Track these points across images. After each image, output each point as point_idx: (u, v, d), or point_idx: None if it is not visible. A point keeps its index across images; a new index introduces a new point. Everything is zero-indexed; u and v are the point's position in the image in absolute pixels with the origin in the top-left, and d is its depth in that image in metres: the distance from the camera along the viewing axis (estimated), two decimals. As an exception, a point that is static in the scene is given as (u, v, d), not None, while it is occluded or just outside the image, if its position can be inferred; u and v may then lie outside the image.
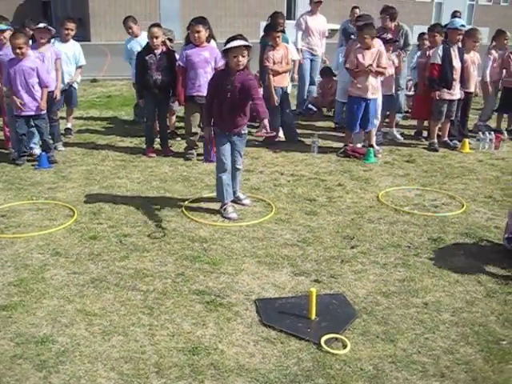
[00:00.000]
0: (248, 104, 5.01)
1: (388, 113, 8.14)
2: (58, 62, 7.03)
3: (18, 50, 6.23)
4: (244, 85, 4.85)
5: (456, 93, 7.47)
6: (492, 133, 7.98)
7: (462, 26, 7.39)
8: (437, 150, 7.57)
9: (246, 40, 4.83)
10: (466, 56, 7.57)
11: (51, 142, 6.80)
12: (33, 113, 6.47)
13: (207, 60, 6.70)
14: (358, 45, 6.95)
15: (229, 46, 4.74)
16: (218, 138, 5.11)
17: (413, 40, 8.70)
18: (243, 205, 5.39)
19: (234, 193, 5.34)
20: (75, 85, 7.98)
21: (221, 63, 6.82)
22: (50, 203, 5.41)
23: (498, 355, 3.13)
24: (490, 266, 4.24)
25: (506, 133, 8.31)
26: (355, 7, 10.10)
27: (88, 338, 3.24)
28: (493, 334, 3.35)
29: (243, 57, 4.79)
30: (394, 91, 7.90)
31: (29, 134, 6.68)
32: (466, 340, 3.28)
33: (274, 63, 7.40)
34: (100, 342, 3.20)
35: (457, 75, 7.35)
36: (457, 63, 7.33)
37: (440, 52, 7.32)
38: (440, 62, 7.29)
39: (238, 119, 5.03)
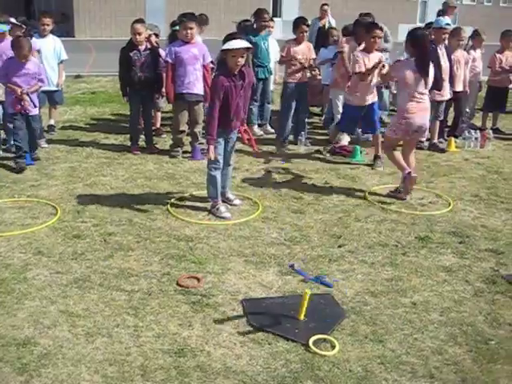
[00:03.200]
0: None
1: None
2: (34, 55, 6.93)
3: (23, 60, 6.10)
4: (250, 81, 4.96)
5: (446, 93, 7.40)
6: (477, 131, 8.00)
7: (447, 24, 7.31)
8: (444, 151, 7.52)
9: (244, 38, 4.80)
10: (452, 55, 7.55)
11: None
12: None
13: (196, 57, 6.62)
14: (361, 46, 6.60)
15: (229, 47, 4.64)
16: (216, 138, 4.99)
17: (396, 39, 8.68)
18: (234, 205, 5.29)
19: (223, 188, 5.26)
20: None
21: (208, 60, 6.76)
22: (33, 201, 5.31)
23: (487, 355, 3.11)
24: (477, 264, 4.23)
25: (491, 131, 8.33)
26: (325, 4, 10.07)
27: (71, 339, 3.16)
28: (481, 333, 3.33)
29: (242, 57, 4.69)
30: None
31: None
32: (455, 340, 3.25)
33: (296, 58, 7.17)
34: (83, 343, 3.13)
35: (446, 75, 7.25)
36: (444, 63, 7.24)
37: None
38: None
39: (241, 116, 5.08)
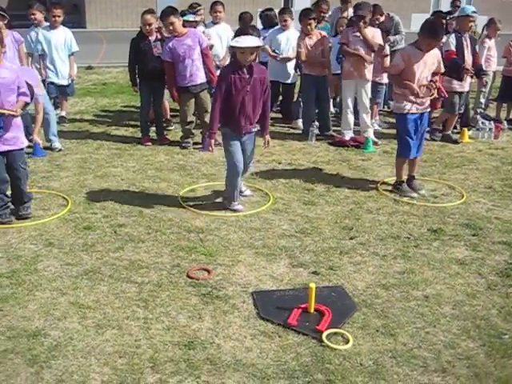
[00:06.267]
0: (262, 99, 4.82)
1: (379, 101, 8.02)
2: (21, 47, 6.91)
3: None
4: (262, 77, 4.72)
5: (466, 85, 7.22)
6: (491, 122, 7.89)
7: (474, 12, 7.04)
8: (457, 142, 7.36)
9: (257, 32, 4.65)
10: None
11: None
12: None
13: (192, 47, 6.54)
14: (411, 47, 5.33)
15: (238, 45, 4.51)
16: (228, 141, 4.83)
17: (409, 29, 8.61)
18: (245, 196, 5.23)
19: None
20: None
21: (205, 44, 6.70)
22: (44, 192, 5.32)
23: (501, 350, 3.07)
24: (490, 257, 4.17)
25: (505, 122, 8.22)
26: None
27: (81, 331, 3.16)
28: (494, 327, 3.29)
29: (252, 54, 4.56)
30: (385, 79, 7.79)
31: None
32: (468, 334, 3.21)
33: (308, 50, 7.18)
34: (93, 335, 3.13)
35: (468, 66, 7.01)
36: (467, 54, 7.01)
37: (453, 40, 6.95)
38: (454, 50, 6.93)
39: (253, 117, 4.83)
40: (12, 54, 6.64)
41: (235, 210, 4.93)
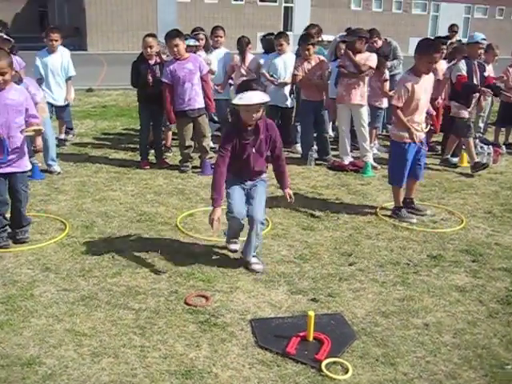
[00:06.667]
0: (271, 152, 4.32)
1: (377, 125, 8.06)
2: (23, 73, 6.92)
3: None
4: (269, 135, 4.18)
5: (472, 110, 7.20)
6: (490, 147, 7.91)
7: (483, 39, 7.10)
8: (456, 166, 7.38)
9: (262, 86, 4.14)
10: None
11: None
12: None
13: (192, 72, 6.59)
14: (410, 75, 5.26)
15: (242, 102, 3.92)
16: (228, 185, 4.25)
17: (407, 52, 8.71)
18: (252, 270, 4.27)
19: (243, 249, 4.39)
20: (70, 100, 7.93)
21: (205, 70, 6.73)
22: (42, 216, 5.29)
23: (503, 380, 3.02)
24: (491, 284, 4.14)
25: (504, 147, 8.25)
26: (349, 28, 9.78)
27: (77, 359, 3.11)
28: (496, 357, 3.24)
29: (258, 112, 4.00)
30: (385, 104, 7.85)
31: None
32: (469, 364, 3.17)
33: (306, 74, 7.21)
34: (89, 364, 3.08)
35: (476, 94, 7.07)
36: (476, 80, 7.01)
37: (463, 66, 6.93)
38: (466, 75, 6.91)
39: (259, 170, 4.31)
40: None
41: (229, 250, 4.58)
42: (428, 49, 5.11)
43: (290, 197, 4.39)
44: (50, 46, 7.52)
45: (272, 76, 7.78)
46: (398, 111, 5.21)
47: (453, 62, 7.49)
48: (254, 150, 4.16)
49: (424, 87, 5.25)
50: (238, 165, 4.17)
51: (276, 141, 4.25)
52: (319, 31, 7.91)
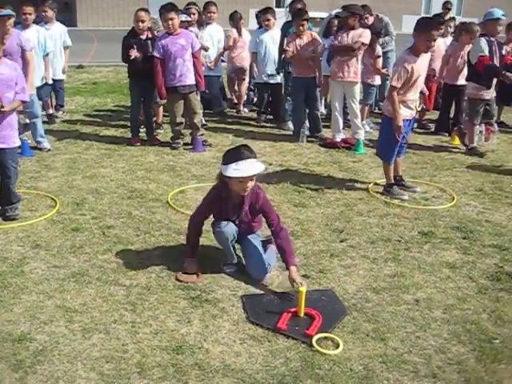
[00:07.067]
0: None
1: (370, 102, 8.04)
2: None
3: None
4: (255, 207, 3.79)
5: (492, 91, 7.00)
6: (482, 125, 7.89)
7: (503, 15, 6.82)
8: (482, 155, 6.96)
9: (253, 153, 3.67)
10: (461, 50, 7.44)
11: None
12: None
13: (184, 47, 6.52)
14: (409, 55, 5.14)
15: (238, 175, 3.53)
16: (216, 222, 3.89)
17: (400, 30, 8.65)
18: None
19: None
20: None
21: (197, 47, 6.65)
22: (32, 193, 5.25)
23: (491, 355, 3.05)
24: (481, 261, 4.16)
25: (495, 125, 8.23)
26: None
27: (68, 335, 3.11)
28: (485, 332, 3.27)
29: (252, 181, 3.64)
30: (378, 81, 7.83)
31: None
32: (458, 339, 3.19)
33: (297, 50, 7.11)
34: (80, 340, 3.07)
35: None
36: (496, 60, 6.77)
37: (485, 45, 6.67)
38: (488, 55, 6.66)
39: (250, 230, 3.96)
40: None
41: (225, 272, 3.89)
42: (426, 27, 5.05)
43: (294, 281, 3.55)
44: (24, 20, 7.06)
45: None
46: (394, 93, 5.11)
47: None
48: (236, 221, 3.83)
49: (422, 67, 5.21)
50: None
51: (265, 211, 3.79)
52: (304, 6, 7.86)
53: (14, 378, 2.76)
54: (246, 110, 9.10)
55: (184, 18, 7.27)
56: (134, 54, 6.55)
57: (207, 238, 4.19)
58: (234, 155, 3.60)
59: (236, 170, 3.52)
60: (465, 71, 7.52)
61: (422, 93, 5.52)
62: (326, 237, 4.49)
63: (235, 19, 8.64)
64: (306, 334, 3.14)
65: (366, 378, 2.83)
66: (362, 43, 6.83)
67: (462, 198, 5.47)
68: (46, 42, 7.27)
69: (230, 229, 3.79)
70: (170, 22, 6.41)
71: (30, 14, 7.03)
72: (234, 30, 8.54)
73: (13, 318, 3.25)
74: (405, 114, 5.23)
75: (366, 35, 6.89)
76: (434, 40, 5.12)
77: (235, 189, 3.66)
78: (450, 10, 11.00)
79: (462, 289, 3.75)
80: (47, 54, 7.29)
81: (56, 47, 7.78)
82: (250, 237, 3.93)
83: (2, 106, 4.34)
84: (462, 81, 7.60)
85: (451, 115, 8.00)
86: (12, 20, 5.97)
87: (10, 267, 3.84)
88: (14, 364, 2.85)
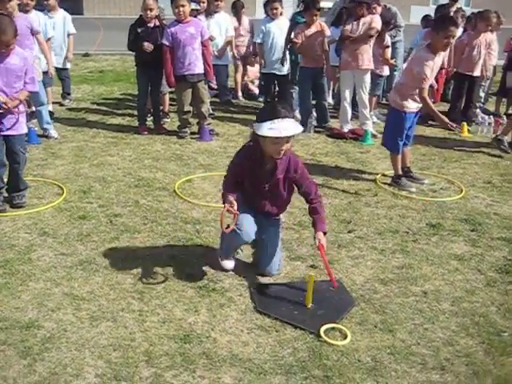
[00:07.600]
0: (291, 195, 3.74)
1: (378, 93, 8.00)
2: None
3: (2, 49, 4.31)
4: (290, 175, 3.52)
5: None
6: (491, 117, 7.85)
7: None
8: (508, 152, 6.63)
9: (292, 111, 3.40)
10: (476, 39, 7.38)
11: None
12: None
13: (194, 36, 6.48)
14: (429, 53, 5.03)
15: (273, 134, 3.21)
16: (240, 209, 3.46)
17: (408, 21, 8.60)
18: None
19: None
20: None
21: (206, 36, 6.61)
22: (39, 181, 5.25)
23: (499, 348, 3.03)
24: (490, 253, 4.13)
25: (504, 117, 8.18)
26: None
27: (75, 323, 3.11)
28: (493, 325, 3.25)
29: (287, 143, 3.33)
30: (386, 72, 7.78)
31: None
32: (467, 331, 3.17)
33: (305, 39, 7.04)
34: (88, 327, 3.07)
35: None
36: None
37: None
38: None
39: (276, 209, 3.76)
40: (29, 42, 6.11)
41: (223, 268, 3.72)
42: (444, 24, 4.98)
43: (320, 245, 3.48)
44: (25, 6, 6.74)
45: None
46: (426, 95, 5.05)
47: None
48: (266, 188, 3.57)
49: (438, 64, 5.20)
50: (250, 196, 3.62)
51: (301, 182, 3.57)
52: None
53: (22, 364, 2.76)
54: (241, 98, 9.20)
55: (194, 6, 7.22)
56: (148, 46, 6.51)
57: (208, 233, 4.17)
58: (270, 112, 3.28)
59: (271, 129, 3.19)
60: (480, 62, 7.48)
61: (430, 86, 5.48)
62: (333, 227, 4.47)
63: (237, 7, 8.67)
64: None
65: (374, 370, 2.82)
66: (377, 30, 6.80)
67: (471, 191, 5.44)
68: (47, 27, 7.23)
69: (250, 230, 3.53)
70: (182, 9, 6.36)
71: (27, 3, 6.79)
72: (234, 19, 8.61)
73: (21, 305, 3.26)
74: (411, 106, 5.21)
75: (376, 20, 6.85)
76: (453, 37, 5.07)
77: (268, 150, 3.35)
78: (456, 1, 10.89)
79: (471, 281, 3.73)
80: (48, 39, 7.22)
81: (59, 35, 7.73)
82: (273, 231, 3.72)
83: (5, 103, 4.34)
84: (477, 72, 7.53)
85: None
86: (13, 3, 5.90)
87: (17, 254, 3.84)
88: (22, 351, 2.85)
